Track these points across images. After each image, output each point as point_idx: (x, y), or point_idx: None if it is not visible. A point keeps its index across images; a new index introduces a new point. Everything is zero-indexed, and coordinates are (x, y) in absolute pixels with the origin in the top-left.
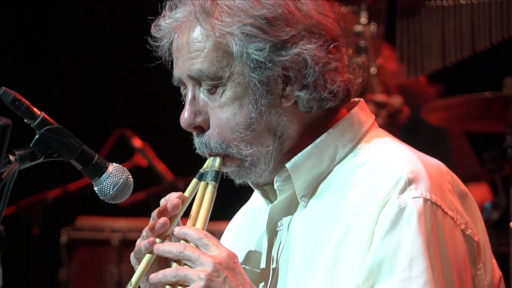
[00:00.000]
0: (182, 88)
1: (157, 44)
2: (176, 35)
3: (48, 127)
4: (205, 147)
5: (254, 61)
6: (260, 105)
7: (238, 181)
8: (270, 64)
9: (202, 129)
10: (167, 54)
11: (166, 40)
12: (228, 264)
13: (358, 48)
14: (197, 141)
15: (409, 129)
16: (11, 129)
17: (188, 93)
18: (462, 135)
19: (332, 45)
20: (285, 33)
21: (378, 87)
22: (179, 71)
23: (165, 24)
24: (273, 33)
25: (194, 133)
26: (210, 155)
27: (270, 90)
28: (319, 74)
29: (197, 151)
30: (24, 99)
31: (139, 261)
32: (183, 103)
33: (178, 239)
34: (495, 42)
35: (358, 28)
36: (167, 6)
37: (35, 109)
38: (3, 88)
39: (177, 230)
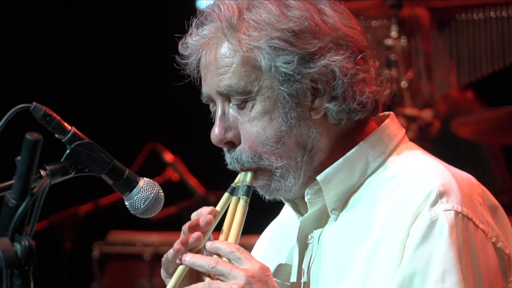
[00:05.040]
0: (211, 105)
1: (185, 61)
2: (203, 52)
3: (79, 142)
4: (237, 162)
5: (283, 74)
6: (290, 118)
7: (268, 197)
8: (298, 77)
9: (233, 144)
10: (195, 71)
11: (194, 58)
12: (261, 277)
13: (389, 61)
14: (228, 156)
15: (447, 145)
16: (41, 144)
17: (218, 109)
18: (498, 150)
19: (359, 56)
20: (312, 45)
21: (409, 101)
22: (208, 87)
23: (192, 42)
24: (300, 46)
25: (225, 149)
26: (242, 170)
27: (299, 103)
28: (347, 85)
29: (228, 166)
30: (55, 114)
31: (168, 273)
32: (213, 120)
33: (210, 254)
34: None
35: (389, 41)
36: (194, 23)
37: (66, 124)
38: (34, 103)
39: (209, 244)
